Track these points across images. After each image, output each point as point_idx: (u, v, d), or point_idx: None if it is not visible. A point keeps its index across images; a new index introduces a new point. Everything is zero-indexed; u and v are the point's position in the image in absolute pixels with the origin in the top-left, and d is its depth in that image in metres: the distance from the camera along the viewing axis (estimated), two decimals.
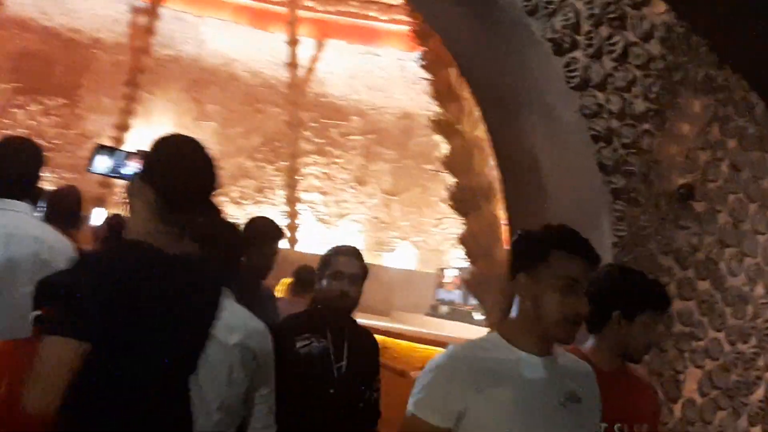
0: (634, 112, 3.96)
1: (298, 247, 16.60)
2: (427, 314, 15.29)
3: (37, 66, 16.38)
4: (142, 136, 15.03)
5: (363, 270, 3.37)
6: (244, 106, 17.02)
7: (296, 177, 16.50)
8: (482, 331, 7.68)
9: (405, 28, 17.04)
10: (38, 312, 2.26)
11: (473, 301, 8.83)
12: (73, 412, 1.89)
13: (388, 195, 17.44)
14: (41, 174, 3.14)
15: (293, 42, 15.91)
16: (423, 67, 7.97)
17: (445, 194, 15.73)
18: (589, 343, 2.63)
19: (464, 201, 6.98)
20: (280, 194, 16.90)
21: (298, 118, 16.33)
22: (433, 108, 15.66)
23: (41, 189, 3.53)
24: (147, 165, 2.14)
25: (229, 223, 3.20)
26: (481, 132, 7.16)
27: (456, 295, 15.08)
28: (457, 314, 13.56)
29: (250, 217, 4.16)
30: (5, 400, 2.12)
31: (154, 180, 2.10)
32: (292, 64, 16.03)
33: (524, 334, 2.10)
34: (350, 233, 16.95)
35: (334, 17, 16.80)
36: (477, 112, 6.98)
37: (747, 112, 4.26)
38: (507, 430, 2.03)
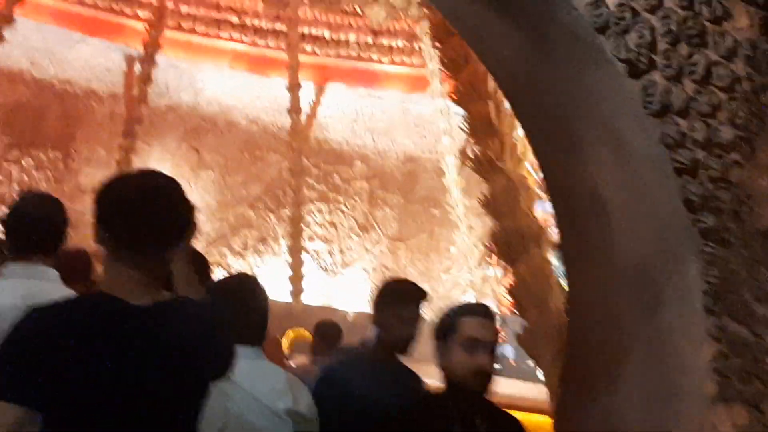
0: (721, 140, 3.46)
1: (302, 299, 15.97)
2: None
3: (29, 119, 15.92)
4: None
5: (497, 336, 2.69)
6: (243, 153, 16.57)
7: (300, 225, 15.94)
8: (542, 390, 6.95)
9: (407, 70, 16.83)
10: None
11: (524, 356, 8.17)
12: None
13: (394, 241, 16.89)
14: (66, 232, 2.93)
15: (294, 87, 15.48)
16: (456, 102, 7.50)
17: (455, 239, 15.45)
18: None
19: (510, 245, 6.43)
20: (283, 244, 16.33)
21: (300, 165, 15.85)
22: (439, 149, 15.44)
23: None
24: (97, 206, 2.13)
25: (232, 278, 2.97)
26: (525, 170, 6.71)
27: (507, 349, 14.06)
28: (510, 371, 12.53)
29: (256, 268, 3.70)
30: None
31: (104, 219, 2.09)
32: (294, 109, 15.59)
33: None
34: (356, 282, 16.34)
35: (334, 61, 16.45)
36: (521, 148, 6.55)
37: None
38: None
